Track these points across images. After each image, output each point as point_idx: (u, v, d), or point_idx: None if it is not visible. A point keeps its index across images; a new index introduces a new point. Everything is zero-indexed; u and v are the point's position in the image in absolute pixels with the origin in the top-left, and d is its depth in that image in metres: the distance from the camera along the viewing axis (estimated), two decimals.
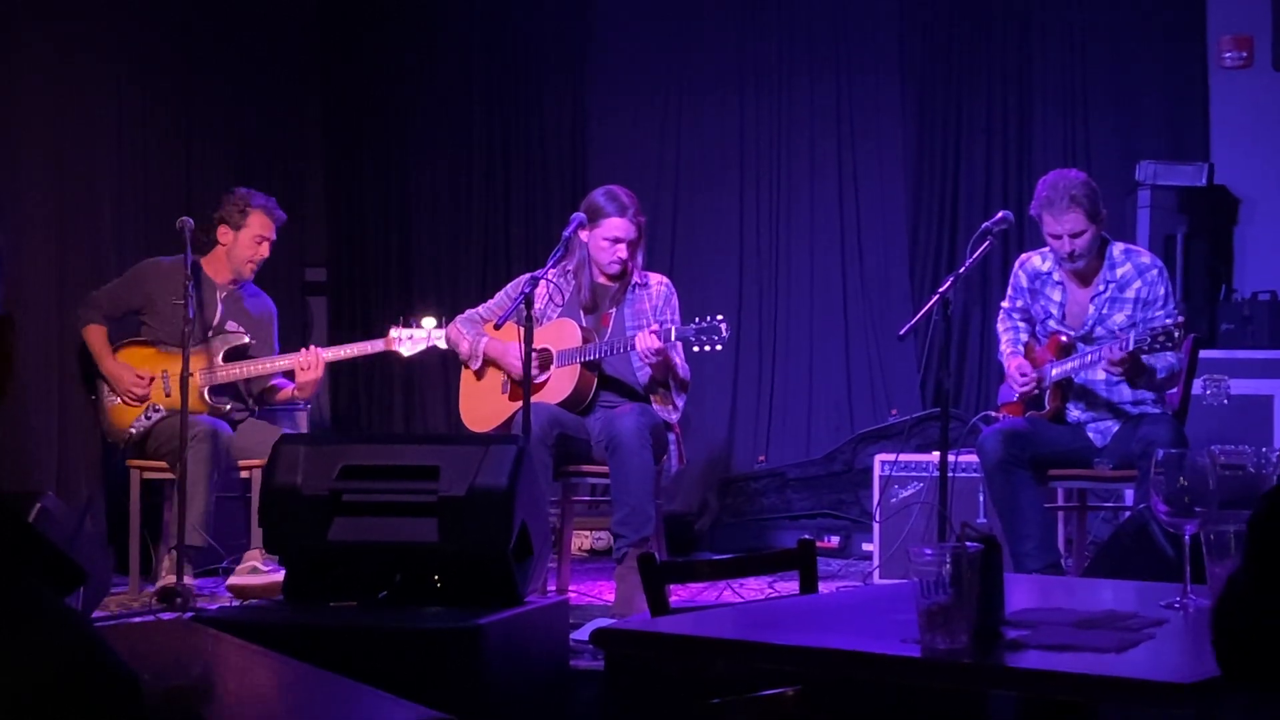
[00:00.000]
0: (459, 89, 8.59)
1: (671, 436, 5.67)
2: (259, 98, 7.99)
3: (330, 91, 8.76)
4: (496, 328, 5.68)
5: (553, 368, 5.66)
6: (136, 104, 7.11)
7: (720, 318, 5.46)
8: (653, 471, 5.43)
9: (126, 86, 7.05)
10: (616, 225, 5.65)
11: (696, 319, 5.49)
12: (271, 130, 8.12)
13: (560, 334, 5.69)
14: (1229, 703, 1.95)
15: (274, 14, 8.17)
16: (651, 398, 5.69)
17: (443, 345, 6.18)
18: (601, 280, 5.76)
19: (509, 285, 5.87)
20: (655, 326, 5.53)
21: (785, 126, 8.23)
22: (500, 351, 5.76)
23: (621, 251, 5.66)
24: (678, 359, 5.64)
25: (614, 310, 5.76)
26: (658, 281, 5.81)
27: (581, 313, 5.75)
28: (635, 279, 5.76)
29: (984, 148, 7.92)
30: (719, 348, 5.50)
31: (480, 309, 5.95)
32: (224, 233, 6.16)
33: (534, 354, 5.59)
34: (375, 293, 8.66)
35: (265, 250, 6.21)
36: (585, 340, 5.64)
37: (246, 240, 6.15)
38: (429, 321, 6.15)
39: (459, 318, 5.97)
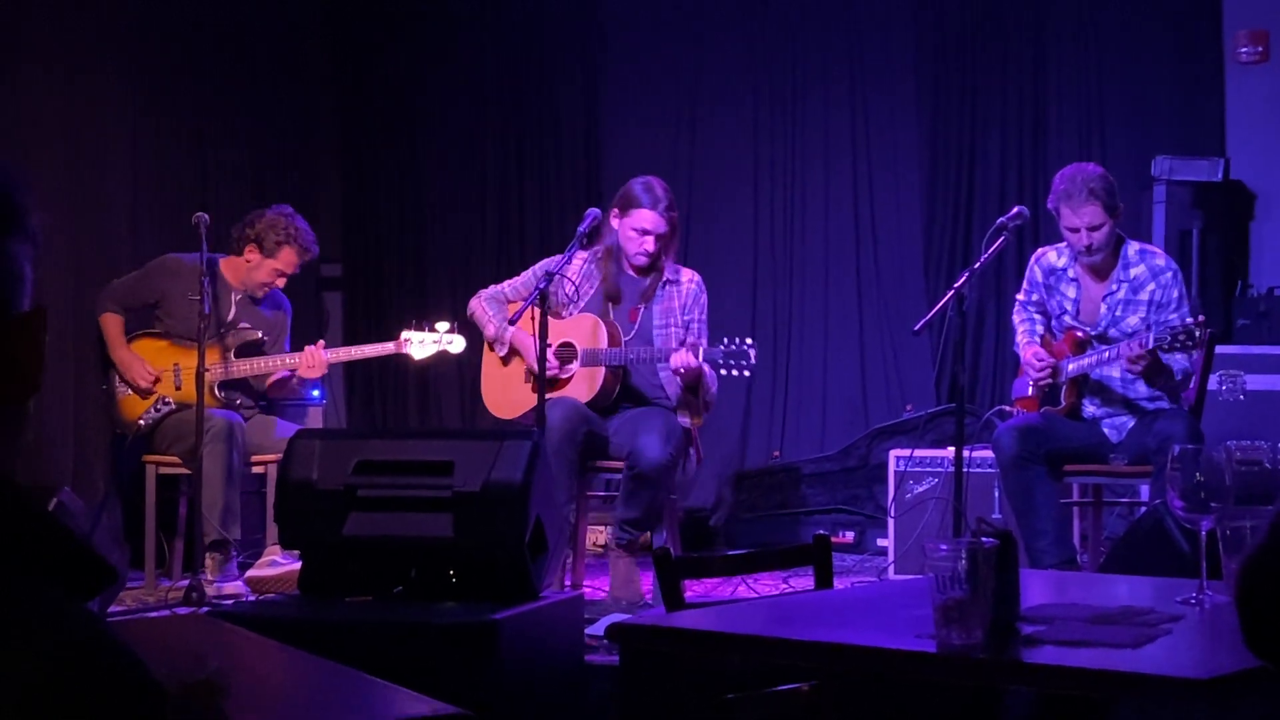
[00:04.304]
0: (473, 86, 8.60)
1: (692, 446, 5.68)
2: (275, 94, 8.01)
3: (346, 87, 8.77)
4: (512, 323, 5.65)
5: (576, 365, 5.63)
6: (152, 99, 7.13)
7: (749, 341, 5.44)
8: (671, 492, 5.48)
9: (142, 81, 7.07)
10: (646, 217, 5.62)
11: (724, 340, 5.48)
12: (288, 126, 8.14)
13: (586, 330, 5.65)
14: (1246, 699, 1.95)
15: (290, 12, 8.18)
16: (675, 408, 5.66)
17: (454, 350, 6.15)
18: (630, 272, 5.73)
19: (537, 265, 5.79)
20: (690, 340, 5.50)
21: (800, 122, 8.22)
22: (527, 346, 5.72)
23: (649, 244, 5.63)
24: (713, 383, 5.59)
25: (642, 306, 5.73)
26: (689, 279, 5.75)
27: (609, 304, 5.73)
28: (667, 275, 5.73)
29: (999, 143, 7.91)
30: (746, 374, 5.49)
31: (505, 287, 5.86)
32: (252, 251, 6.09)
33: (556, 348, 5.58)
34: (390, 287, 8.68)
35: (281, 283, 6.18)
36: (611, 342, 5.61)
37: (269, 270, 6.09)
38: (442, 325, 6.12)
39: (484, 294, 5.88)
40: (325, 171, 8.62)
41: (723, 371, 5.48)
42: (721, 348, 5.43)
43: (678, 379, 5.55)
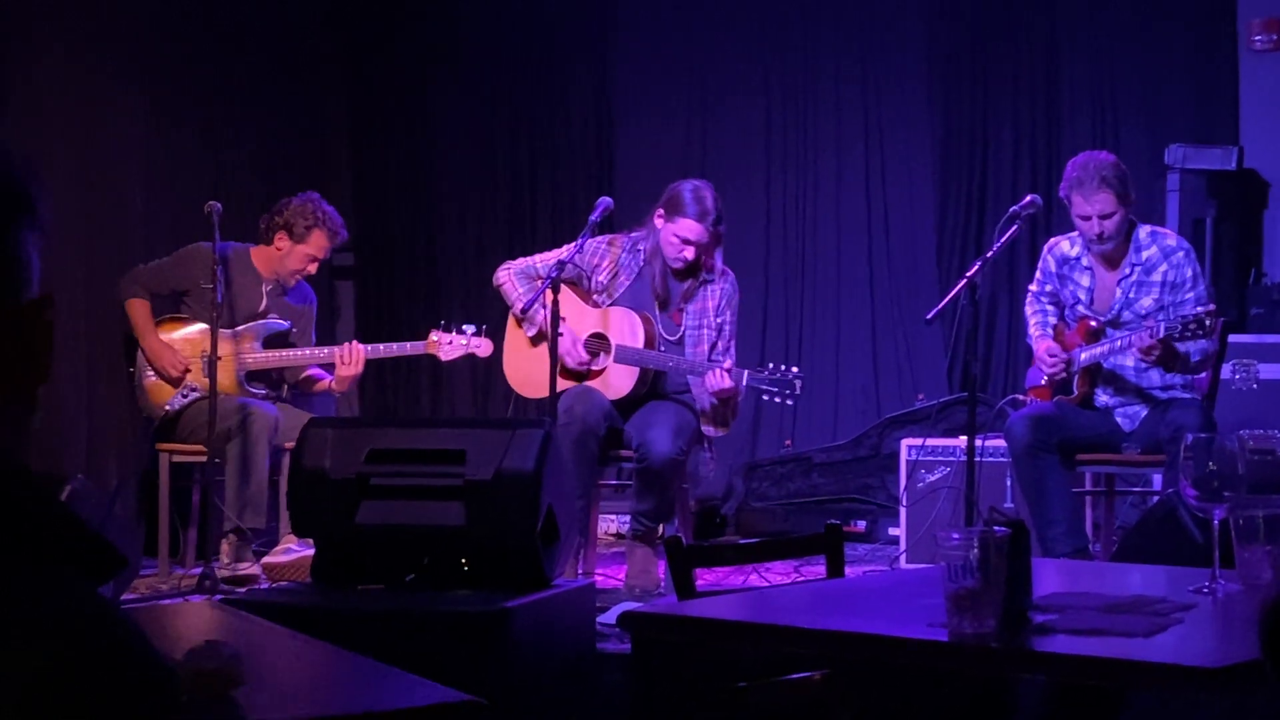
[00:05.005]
0: (484, 77, 8.59)
1: (706, 447, 5.66)
2: (285, 86, 8.01)
3: (356, 79, 8.77)
4: (524, 311, 5.62)
5: (608, 359, 5.60)
6: (163, 94, 7.13)
7: (795, 370, 5.42)
8: (682, 483, 5.47)
9: (152, 76, 7.07)
10: (690, 228, 5.54)
11: (770, 366, 5.46)
12: (299, 115, 8.14)
13: (624, 327, 5.60)
14: (1259, 688, 1.94)
15: (299, 4, 8.19)
16: (701, 417, 5.63)
17: (481, 354, 6.14)
18: (670, 274, 5.67)
19: (570, 245, 5.64)
20: (729, 364, 5.48)
21: (812, 112, 8.21)
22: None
23: (689, 253, 5.56)
24: (741, 394, 5.57)
25: (684, 307, 5.69)
26: (723, 278, 5.69)
27: (655, 303, 5.67)
28: (704, 275, 5.66)
29: (1012, 132, 7.89)
30: (790, 402, 5.46)
31: (537, 262, 5.75)
32: (281, 239, 6.09)
33: (587, 339, 5.56)
34: (401, 278, 8.68)
35: (314, 269, 6.19)
36: (648, 342, 5.56)
37: (300, 256, 6.10)
38: (470, 329, 6.11)
39: (514, 266, 5.79)
40: (336, 162, 8.62)
41: (765, 398, 5.46)
42: (766, 373, 5.40)
43: (711, 396, 5.52)
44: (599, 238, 5.70)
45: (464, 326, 6.11)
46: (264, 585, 5.55)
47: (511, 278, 5.76)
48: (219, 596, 5.05)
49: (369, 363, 6.18)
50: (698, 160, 8.24)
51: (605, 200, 5.58)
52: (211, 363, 5.62)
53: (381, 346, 6.26)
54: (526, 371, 5.74)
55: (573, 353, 5.56)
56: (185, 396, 5.98)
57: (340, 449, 4.26)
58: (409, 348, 6.19)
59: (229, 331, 5.96)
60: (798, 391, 5.39)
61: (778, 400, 5.44)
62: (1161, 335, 5.10)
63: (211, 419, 5.60)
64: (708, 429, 5.59)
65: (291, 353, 6.13)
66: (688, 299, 5.67)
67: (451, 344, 6.08)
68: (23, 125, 6.31)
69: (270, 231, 6.11)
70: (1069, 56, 7.81)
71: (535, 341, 5.72)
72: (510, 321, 5.82)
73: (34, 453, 1.14)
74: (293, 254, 6.10)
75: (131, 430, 6.43)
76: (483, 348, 6.09)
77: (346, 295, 8.69)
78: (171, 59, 7.19)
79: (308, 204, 6.11)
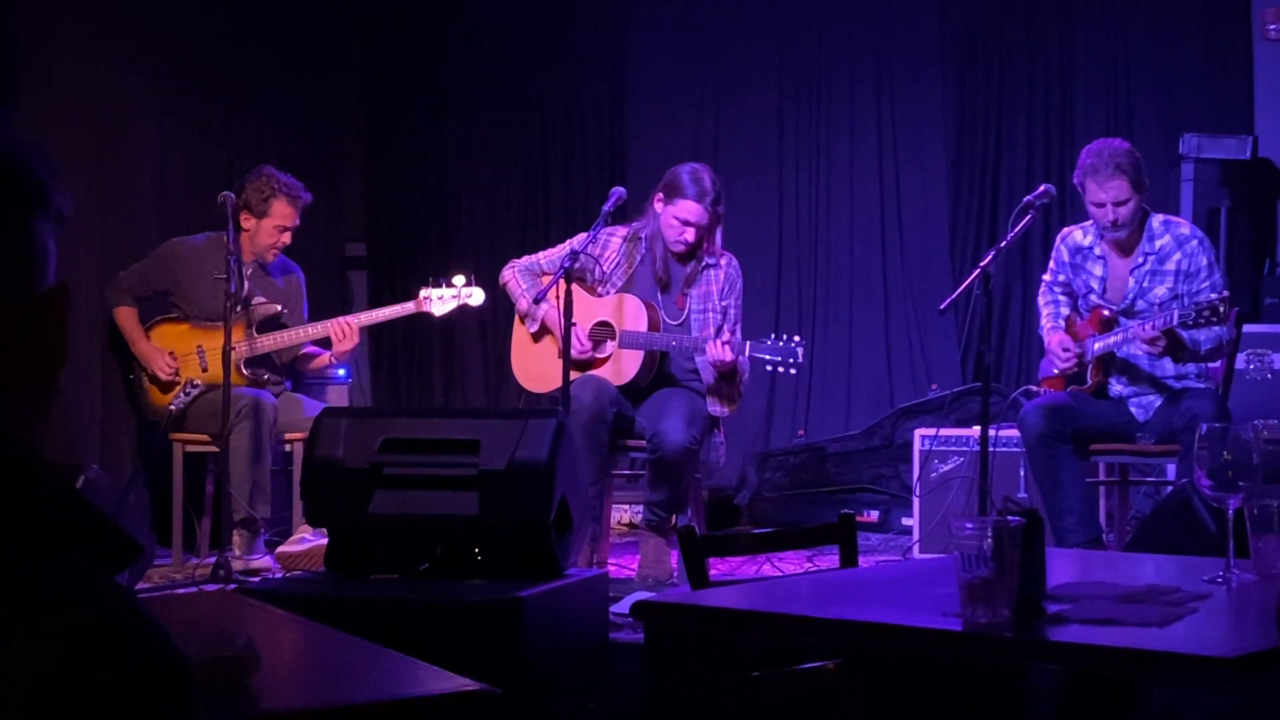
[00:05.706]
0: (497, 64, 8.59)
1: (717, 433, 5.66)
2: (299, 77, 8.01)
3: (369, 67, 8.77)
4: (536, 302, 5.64)
5: (613, 345, 5.61)
6: (175, 82, 7.13)
7: (797, 339, 5.43)
8: (695, 472, 5.46)
9: (164, 63, 7.07)
10: (690, 209, 5.57)
11: (772, 336, 5.46)
12: (311, 106, 8.14)
13: (627, 312, 5.62)
14: (1273, 676, 1.94)
15: None
16: (707, 395, 5.64)
17: (474, 303, 6.17)
18: (673, 258, 5.70)
19: (573, 239, 5.71)
20: (728, 336, 5.49)
21: (825, 100, 8.20)
22: (558, 324, 5.66)
23: (689, 235, 5.59)
24: (745, 371, 5.58)
25: (687, 292, 5.71)
26: (727, 263, 5.71)
27: (657, 288, 5.70)
28: (706, 259, 5.70)
29: (1026, 121, 7.88)
30: (793, 371, 5.48)
31: (541, 259, 5.81)
32: (246, 218, 6.11)
33: (592, 327, 5.57)
34: (414, 267, 8.67)
35: (287, 239, 6.19)
36: (651, 326, 5.59)
37: (268, 229, 6.12)
38: (459, 279, 6.14)
39: (518, 265, 5.83)
40: (349, 151, 8.63)
41: (768, 369, 5.47)
42: (768, 343, 5.41)
43: (713, 369, 5.54)
44: (609, 228, 5.71)
45: (453, 279, 6.13)
46: (278, 575, 5.57)
47: (516, 275, 5.81)
48: (233, 586, 5.07)
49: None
50: (710, 152, 8.22)
51: (618, 190, 5.59)
52: (226, 352, 5.62)
53: (375, 313, 6.28)
54: (533, 367, 5.77)
55: (574, 344, 5.57)
56: (187, 394, 5.99)
57: (354, 438, 4.26)
58: (400, 309, 6.21)
59: (221, 324, 5.94)
60: (800, 359, 5.40)
61: (781, 370, 5.45)
62: (1175, 323, 5.09)
63: (225, 408, 5.61)
64: (713, 407, 5.60)
65: (287, 334, 6.14)
66: (690, 283, 5.68)
67: (442, 298, 6.11)
68: (35, 122, 6.31)
69: (235, 215, 6.12)
70: (1082, 46, 7.80)
71: (538, 337, 5.76)
72: (516, 319, 5.85)
73: (49, 442, 1.14)
74: (260, 230, 6.12)
75: (142, 425, 6.44)
76: (474, 296, 6.12)
77: (360, 286, 8.70)
78: (183, 54, 7.19)
79: (261, 177, 6.14)
